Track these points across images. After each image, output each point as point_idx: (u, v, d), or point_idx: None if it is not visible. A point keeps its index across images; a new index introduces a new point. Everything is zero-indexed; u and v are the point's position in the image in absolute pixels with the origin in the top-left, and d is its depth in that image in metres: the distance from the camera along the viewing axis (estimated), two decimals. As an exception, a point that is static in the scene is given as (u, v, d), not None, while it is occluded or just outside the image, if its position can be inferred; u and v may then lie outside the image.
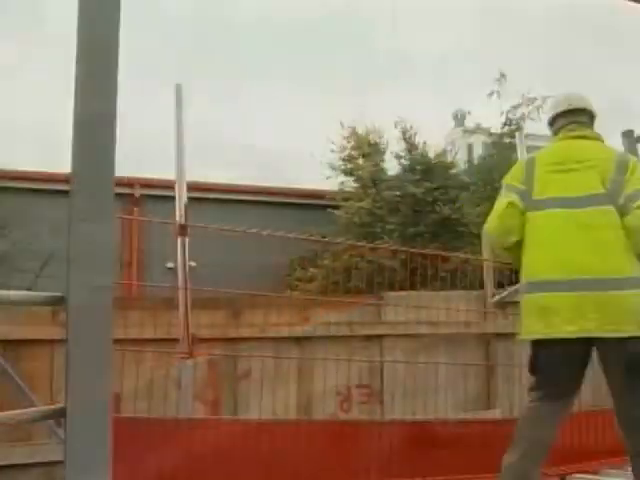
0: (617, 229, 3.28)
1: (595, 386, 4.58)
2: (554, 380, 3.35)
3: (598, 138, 3.66)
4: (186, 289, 3.96)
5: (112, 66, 1.59)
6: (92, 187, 1.54)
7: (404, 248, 7.39)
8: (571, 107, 3.69)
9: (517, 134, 5.18)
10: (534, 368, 3.41)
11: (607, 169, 3.40)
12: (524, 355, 5.45)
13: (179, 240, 3.99)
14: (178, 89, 4.16)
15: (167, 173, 4.37)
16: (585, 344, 3.27)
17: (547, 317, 3.27)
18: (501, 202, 3.53)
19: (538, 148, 5.81)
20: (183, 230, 3.99)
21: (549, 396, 3.36)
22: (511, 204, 3.45)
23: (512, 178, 3.61)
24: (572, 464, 4.74)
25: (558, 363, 3.34)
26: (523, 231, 3.44)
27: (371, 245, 7.91)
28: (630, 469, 3.37)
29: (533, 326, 3.33)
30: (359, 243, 8.42)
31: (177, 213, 4.04)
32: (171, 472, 3.67)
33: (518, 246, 3.47)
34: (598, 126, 3.94)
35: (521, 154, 5.25)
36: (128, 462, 3.58)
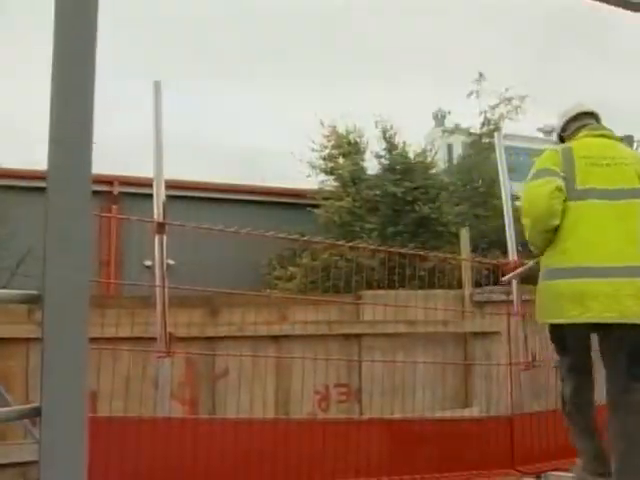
0: None
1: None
2: (584, 358, 3.70)
3: (616, 137, 3.91)
4: (163, 287, 3.94)
5: (89, 61, 1.58)
6: (69, 184, 1.53)
7: (383, 247, 7.40)
8: (583, 109, 3.96)
9: (495, 134, 5.22)
10: (564, 348, 3.73)
11: (639, 166, 3.65)
12: (501, 353, 5.51)
13: (157, 238, 3.97)
14: (157, 86, 4.13)
15: (147, 171, 4.36)
16: (618, 328, 3.43)
17: (585, 302, 3.41)
18: (545, 185, 3.59)
19: (516, 148, 5.87)
20: (161, 228, 3.96)
21: (578, 370, 3.71)
22: (558, 188, 3.55)
23: (552, 163, 3.69)
24: (548, 462, 4.78)
25: (588, 345, 3.67)
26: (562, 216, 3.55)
27: (350, 244, 7.91)
28: None
29: (570, 311, 3.46)
30: (338, 242, 8.42)
31: (155, 211, 4.01)
32: (148, 472, 3.65)
33: (553, 231, 3.58)
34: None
35: (499, 154, 5.28)
36: (104, 462, 3.56)
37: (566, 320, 3.53)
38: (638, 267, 3.42)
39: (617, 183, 3.59)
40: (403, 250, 6.46)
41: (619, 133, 4.43)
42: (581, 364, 3.73)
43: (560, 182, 3.58)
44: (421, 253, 5.59)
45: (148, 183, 4.25)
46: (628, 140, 5.26)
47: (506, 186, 5.28)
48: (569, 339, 3.69)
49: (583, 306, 3.43)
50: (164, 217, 4.00)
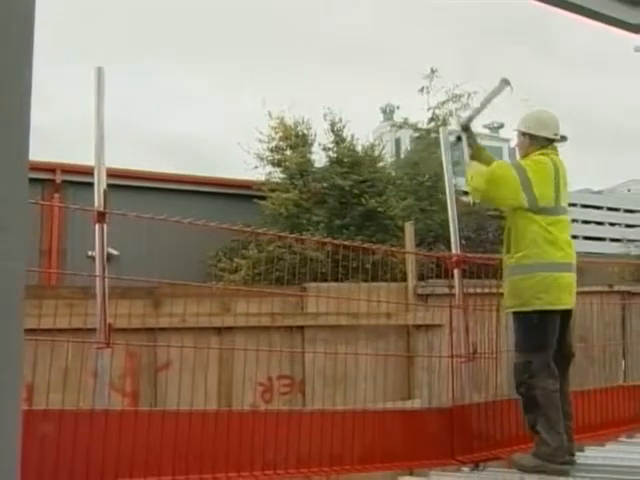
0: None
1: (511, 379, 4.75)
2: (555, 340, 4.47)
3: None
4: (103, 277, 3.86)
5: (26, 45, 1.53)
6: (4, 170, 1.48)
7: (329, 240, 7.42)
8: (558, 137, 4.72)
9: (440, 129, 5.26)
10: (545, 340, 4.43)
11: None
12: (443, 346, 5.59)
13: (97, 227, 3.89)
14: (99, 72, 4.03)
15: (92, 159, 4.26)
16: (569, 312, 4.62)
17: (570, 292, 4.52)
18: (512, 185, 4.48)
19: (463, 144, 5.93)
20: (101, 217, 3.88)
21: (551, 348, 4.46)
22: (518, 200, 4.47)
23: (529, 172, 4.51)
24: (487, 451, 4.88)
25: (558, 327, 4.50)
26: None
27: (295, 236, 7.91)
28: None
29: (564, 299, 4.48)
30: (284, 234, 8.43)
31: (95, 199, 3.92)
32: (85, 465, 3.59)
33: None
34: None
35: (444, 149, 5.34)
36: (39, 456, 3.49)
37: (562, 307, 4.46)
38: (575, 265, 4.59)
39: (566, 201, 4.67)
40: (349, 243, 6.49)
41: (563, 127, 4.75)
42: (564, 355, 4.57)
43: (523, 197, 4.48)
44: (366, 246, 5.62)
45: (92, 171, 4.16)
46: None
47: (450, 181, 5.34)
48: (552, 324, 4.46)
49: (570, 295, 4.51)
50: (105, 206, 3.92)
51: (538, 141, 4.66)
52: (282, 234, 7.57)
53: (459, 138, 5.03)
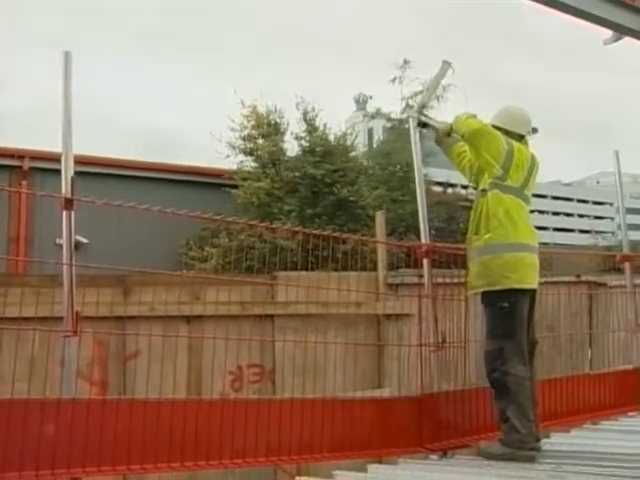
0: None
1: (480, 368, 4.80)
2: (525, 326, 4.58)
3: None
4: (71, 265, 3.81)
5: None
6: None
7: (300, 229, 7.41)
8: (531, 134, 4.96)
9: (411, 119, 5.26)
10: (516, 326, 4.50)
11: None
12: (413, 335, 5.62)
13: (65, 214, 3.83)
14: (67, 57, 3.95)
15: (58, 146, 4.19)
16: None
17: (534, 272, 4.63)
18: (499, 146, 4.65)
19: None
20: (69, 204, 3.82)
21: (522, 334, 4.54)
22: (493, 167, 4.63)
23: (516, 151, 4.68)
24: (455, 439, 4.92)
25: (526, 308, 4.62)
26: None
27: (265, 225, 7.89)
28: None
29: (528, 278, 4.59)
30: (254, 222, 8.38)
31: (63, 186, 3.86)
32: (51, 454, 3.56)
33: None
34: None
35: (414, 138, 5.34)
36: (4, 445, 3.44)
37: (529, 285, 4.58)
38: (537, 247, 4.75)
39: (531, 190, 4.83)
40: (320, 232, 6.48)
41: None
42: (524, 339, 4.59)
43: (498, 168, 4.63)
44: (337, 235, 5.61)
45: (60, 158, 4.09)
46: None
47: (420, 170, 5.34)
48: (520, 307, 4.55)
49: (533, 275, 4.63)
50: (72, 192, 3.86)
51: (511, 136, 4.79)
52: (253, 222, 7.54)
53: (423, 125, 5.13)
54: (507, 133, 4.79)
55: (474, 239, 4.72)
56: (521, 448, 4.44)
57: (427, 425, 4.78)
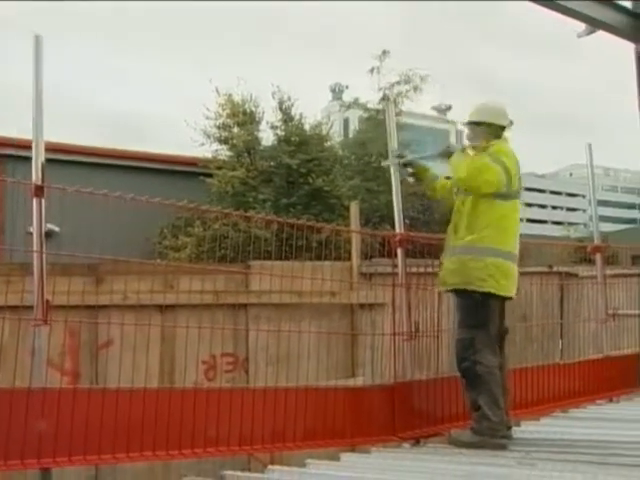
0: None
1: (452, 357, 4.85)
2: (495, 313, 4.66)
3: None
4: (41, 253, 3.77)
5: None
6: None
7: (274, 218, 7.39)
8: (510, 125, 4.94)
9: (387, 104, 5.26)
10: (487, 318, 4.58)
11: None
12: (386, 324, 5.64)
13: (35, 202, 3.78)
14: (37, 41, 3.89)
15: (29, 132, 4.12)
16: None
17: (514, 282, 4.69)
18: (494, 169, 4.60)
19: (413, 126, 5.98)
20: (39, 191, 3.77)
21: (493, 324, 4.63)
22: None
23: (503, 156, 4.68)
24: (428, 428, 4.95)
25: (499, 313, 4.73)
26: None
27: (241, 213, 7.85)
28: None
29: (510, 287, 4.67)
30: (229, 211, 8.35)
31: (33, 173, 3.81)
32: (21, 444, 3.52)
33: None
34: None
35: (390, 129, 5.34)
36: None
37: (507, 294, 4.65)
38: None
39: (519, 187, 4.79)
40: (294, 221, 6.46)
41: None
42: (498, 332, 4.70)
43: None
44: (311, 224, 5.60)
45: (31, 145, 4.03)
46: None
47: (394, 158, 5.34)
48: (497, 309, 4.67)
49: (514, 284, 4.69)
50: (43, 180, 3.81)
51: (494, 130, 4.83)
52: (227, 211, 7.50)
53: (405, 165, 5.18)
54: (490, 126, 4.82)
55: (454, 238, 4.74)
56: (493, 436, 4.51)
57: (400, 414, 4.81)
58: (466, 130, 5.10)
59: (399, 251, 5.10)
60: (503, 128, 4.89)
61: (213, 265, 6.84)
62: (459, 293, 4.69)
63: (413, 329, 5.10)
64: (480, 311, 4.59)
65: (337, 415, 4.59)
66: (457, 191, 4.91)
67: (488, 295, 4.56)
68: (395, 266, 5.19)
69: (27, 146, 4.03)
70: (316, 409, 4.47)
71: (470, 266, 4.57)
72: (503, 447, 4.49)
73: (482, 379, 4.53)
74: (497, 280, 4.57)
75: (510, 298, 4.74)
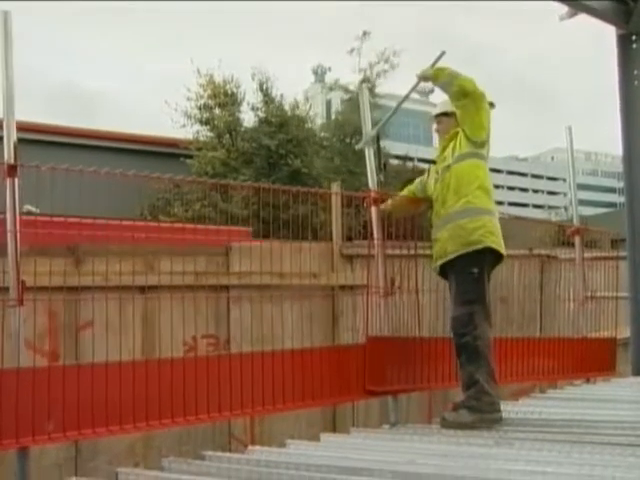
0: None
1: (431, 320, 4.86)
2: (489, 288, 4.77)
3: None
4: (15, 232, 3.72)
5: None
6: None
7: (252, 183, 7.33)
8: None
9: (362, 85, 5.24)
10: (485, 291, 4.68)
11: None
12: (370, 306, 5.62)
13: (8, 181, 3.72)
14: (6, 17, 3.79)
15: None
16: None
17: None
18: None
19: (391, 108, 5.95)
20: (12, 171, 3.72)
21: (489, 299, 4.75)
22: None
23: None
24: (398, 385, 4.94)
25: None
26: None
27: (222, 181, 7.79)
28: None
29: (503, 245, 4.78)
30: (214, 181, 8.29)
31: (5, 153, 3.74)
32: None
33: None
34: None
35: (364, 109, 5.31)
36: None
37: (503, 250, 4.78)
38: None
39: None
40: (276, 186, 6.39)
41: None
42: (490, 304, 4.80)
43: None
44: (295, 190, 5.52)
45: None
46: None
47: (368, 135, 5.30)
48: (488, 269, 4.76)
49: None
50: (16, 159, 3.75)
51: (455, 117, 4.91)
52: (213, 181, 7.41)
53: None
54: (454, 115, 4.89)
55: (441, 210, 4.80)
56: (493, 411, 4.55)
57: (371, 370, 4.79)
58: (435, 125, 5.19)
59: (373, 209, 5.11)
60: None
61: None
62: (459, 261, 4.69)
63: (389, 285, 5.04)
64: (478, 284, 4.64)
65: (315, 376, 4.60)
66: (438, 174, 4.92)
67: (489, 253, 4.68)
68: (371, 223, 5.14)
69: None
70: (294, 371, 4.47)
71: (469, 227, 4.65)
72: (501, 420, 4.58)
73: (482, 354, 4.56)
74: (496, 236, 4.72)
75: (502, 259, 4.85)
